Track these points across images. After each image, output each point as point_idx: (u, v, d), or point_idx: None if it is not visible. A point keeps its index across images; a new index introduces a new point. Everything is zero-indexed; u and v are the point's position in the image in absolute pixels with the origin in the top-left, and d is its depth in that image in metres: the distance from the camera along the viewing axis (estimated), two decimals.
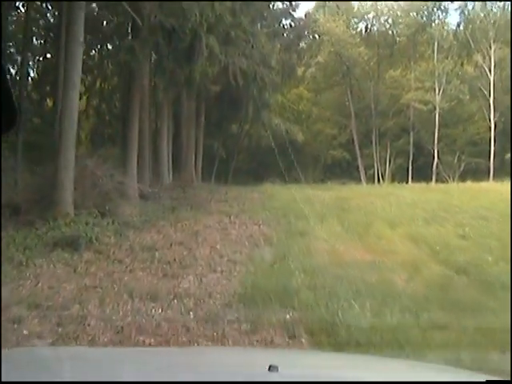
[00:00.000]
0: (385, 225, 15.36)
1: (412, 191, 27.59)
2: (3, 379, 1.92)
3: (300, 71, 46.53)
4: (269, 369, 2.07)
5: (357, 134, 46.10)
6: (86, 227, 13.28)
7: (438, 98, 43.30)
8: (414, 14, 45.24)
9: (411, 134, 44.94)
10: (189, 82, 20.41)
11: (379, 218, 16.66)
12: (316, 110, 46.53)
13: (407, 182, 42.71)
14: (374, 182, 44.64)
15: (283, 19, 32.57)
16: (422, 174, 44.75)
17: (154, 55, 23.05)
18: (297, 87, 45.14)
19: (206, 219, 17.59)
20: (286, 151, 47.25)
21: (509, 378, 3.47)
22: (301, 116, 44.30)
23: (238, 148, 44.59)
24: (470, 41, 44.64)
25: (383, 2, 45.82)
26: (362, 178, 45.25)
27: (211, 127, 37.26)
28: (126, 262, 11.69)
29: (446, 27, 46.01)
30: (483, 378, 2.46)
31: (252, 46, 25.04)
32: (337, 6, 44.77)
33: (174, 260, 11.73)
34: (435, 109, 43.45)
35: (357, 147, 45.81)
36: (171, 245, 13.24)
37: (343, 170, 47.19)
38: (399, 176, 44.95)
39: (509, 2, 40.61)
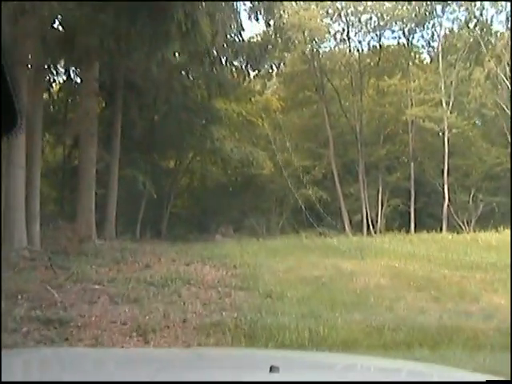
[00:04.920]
0: None
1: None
2: (3, 379, 1.75)
3: (257, 84, 32.33)
4: (270, 370, 1.90)
5: (337, 166, 31.89)
6: None
7: (448, 115, 29.59)
8: (407, 7, 31.68)
9: (412, 165, 30.92)
10: None
11: None
12: (281, 133, 31.91)
13: (408, 231, 28.81)
14: (362, 231, 30.42)
15: None
16: (424, 219, 30.96)
17: None
18: (260, 93, 30.52)
19: None
20: (242, 191, 32.95)
21: (509, 378, 3.21)
22: (262, 138, 29.56)
23: (176, 187, 29.56)
24: (481, 43, 31.45)
25: None
26: (345, 225, 30.98)
27: (133, 151, 22.31)
28: None
29: (451, 24, 32.61)
30: (483, 378, 2.27)
31: None
32: None
33: None
34: (443, 130, 29.77)
35: (337, 184, 31.58)
36: None
37: (319, 216, 32.70)
38: (396, 222, 30.92)
39: None
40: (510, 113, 29.52)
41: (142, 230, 23.98)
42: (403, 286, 8.98)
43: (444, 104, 30.07)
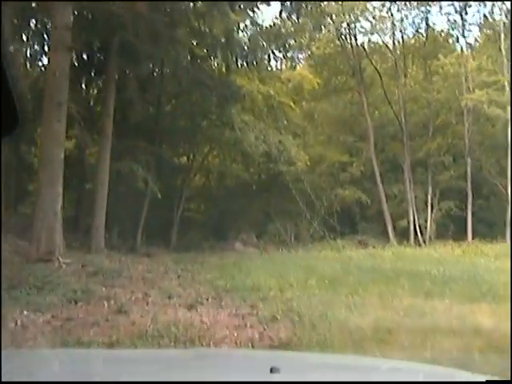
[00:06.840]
0: None
1: None
2: (3, 379, 1.67)
3: (284, 69, 27.04)
4: (271, 370, 1.80)
5: (378, 163, 26.47)
6: None
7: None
8: None
9: (468, 161, 25.48)
10: None
11: None
12: (313, 123, 26.61)
13: (463, 240, 23.69)
14: (408, 239, 25.07)
15: None
16: (477, 225, 25.58)
17: None
18: (292, 68, 25.21)
19: None
20: (266, 190, 27.71)
21: (509, 378, 3.01)
22: (290, 130, 24.01)
23: (189, 186, 24.38)
24: None
25: None
26: (389, 232, 25.58)
27: (131, 138, 17.08)
28: None
29: None
30: (483, 378, 2.12)
31: None
32: None
33: None
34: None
35: (379, 184, 26.21)
36: None
37: (354, 220, 27.45)
38: (448, 229, 25.64)
39: None
40: None
41: (144, 237, 18.86)
42: None
43: (508, 87, 24.70)
